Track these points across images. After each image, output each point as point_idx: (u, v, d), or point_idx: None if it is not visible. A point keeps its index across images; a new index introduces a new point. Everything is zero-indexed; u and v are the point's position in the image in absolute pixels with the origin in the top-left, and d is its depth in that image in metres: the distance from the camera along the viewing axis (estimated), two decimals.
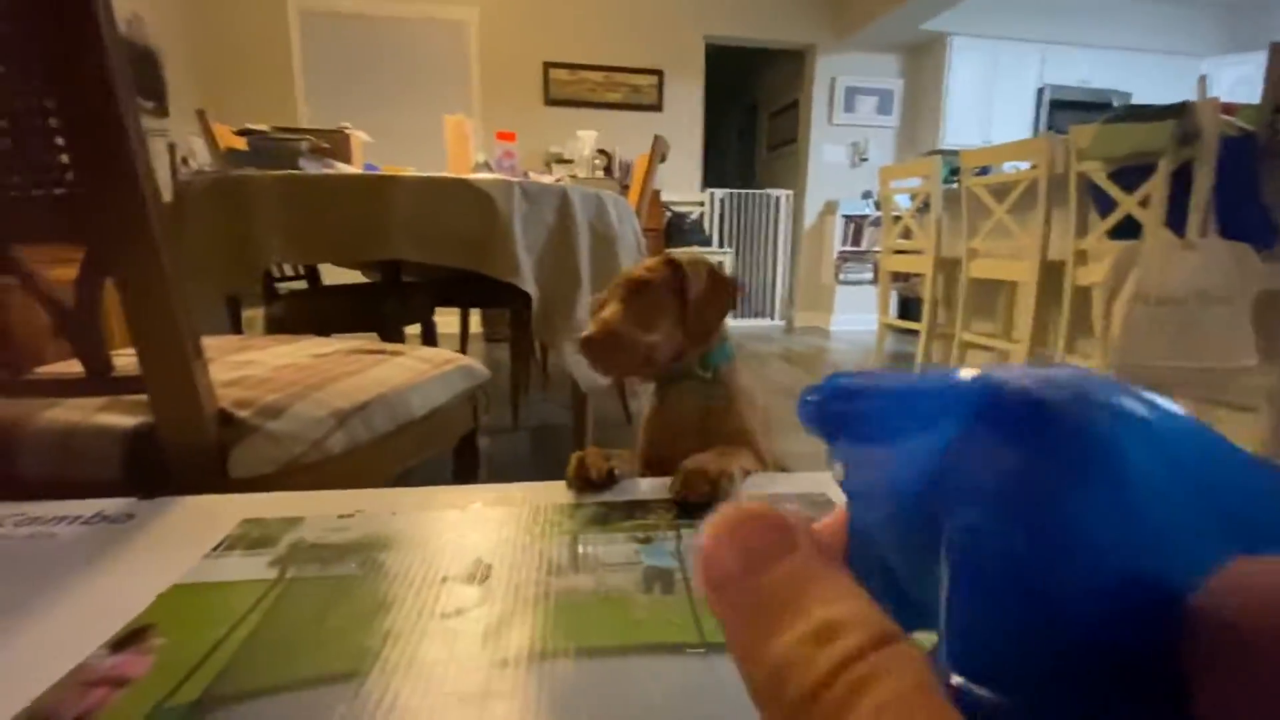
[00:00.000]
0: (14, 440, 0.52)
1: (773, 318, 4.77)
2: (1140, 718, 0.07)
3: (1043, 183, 2.04)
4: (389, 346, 0.76)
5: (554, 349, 1.24)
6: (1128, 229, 1.79)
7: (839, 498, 0.49)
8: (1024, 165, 2.22)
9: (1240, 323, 1.54)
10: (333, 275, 2.04)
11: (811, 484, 0.52)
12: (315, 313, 1.70)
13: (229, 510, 0.46)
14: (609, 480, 0.50)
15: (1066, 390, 0.08)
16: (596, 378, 1.35)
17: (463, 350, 2.32)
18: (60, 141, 0.42)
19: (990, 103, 4.38)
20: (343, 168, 1.34)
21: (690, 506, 0.47)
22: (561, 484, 0.51)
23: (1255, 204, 1.66)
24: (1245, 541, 0.07)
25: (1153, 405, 0.08)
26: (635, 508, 0.48)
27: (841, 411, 0.12)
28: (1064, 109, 4.47)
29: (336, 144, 1.43)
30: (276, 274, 1.86)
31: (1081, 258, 1.94)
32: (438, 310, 1.95)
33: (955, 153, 2.69)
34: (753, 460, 0.56)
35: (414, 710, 0.27)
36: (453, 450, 0.83)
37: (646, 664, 0.31)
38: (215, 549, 0.41)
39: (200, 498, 0.48)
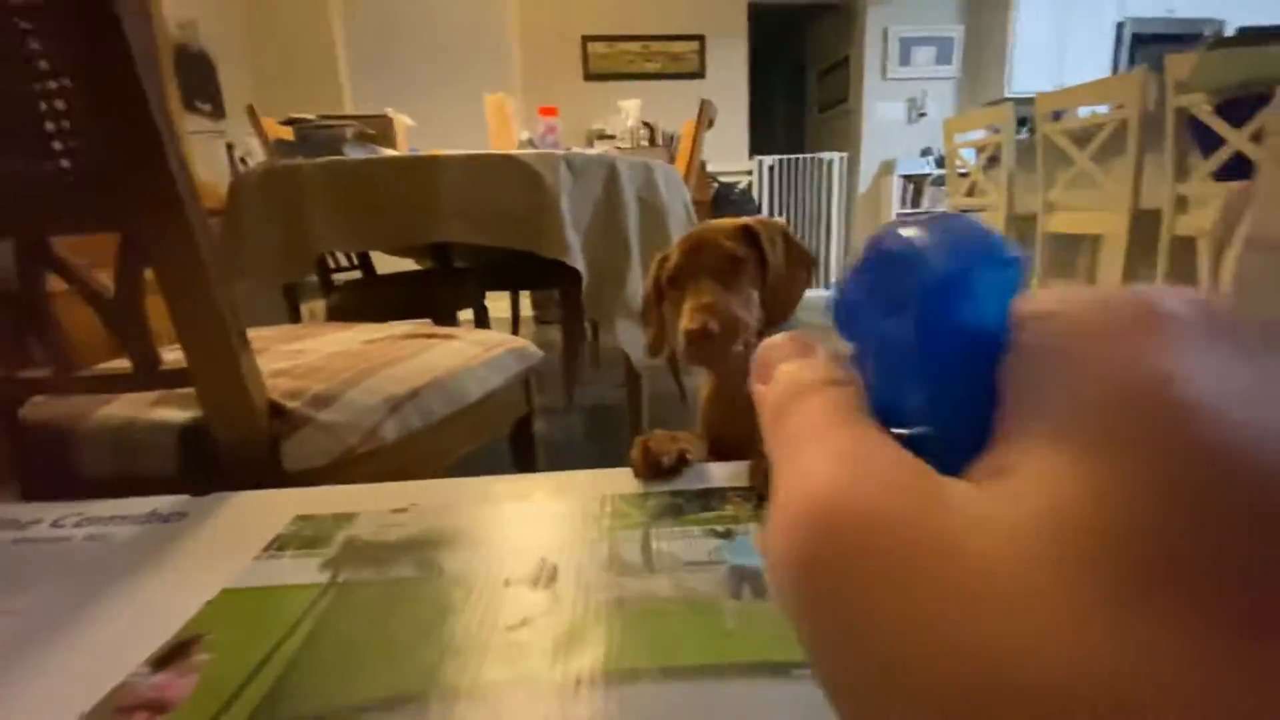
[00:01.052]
0: (71, 438, 0.52)
1: (827, 287, 4.60)
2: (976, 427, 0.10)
3: (1134, 122, 1.84)
4: (440, 330, 0.74)
5: (605, 326, 1.19)
6: (1235, 170, 1.59)
7: None
8: (1103, 109, 2.01)
9: None
10: (386, 265, 2.05)
11: None
12: (371, 302, 1.71)
13: (281, 506, 0.44)
14: (679, 465, 0.45)
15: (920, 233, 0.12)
16: (646, 354, 1.30)
17: (514, 333, 2.32)
18: (81, 117, 0.39)
19: (1063, 43, 4.02)
20: (388, 153, 1.32)
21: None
22: (627, 471, 0.46)
23: None
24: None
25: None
26: (710, 496, 0.43)
27: (844, 310, 0.14)
28: (1148, 43, 4.06)
29: (380, 129, 1.42)
30: (332, 265, 1.89)
31: (1182, 204, 1.75)
32: (489, 295, 1.94)
33: (1026, 100, 2.48)
34: None
35: None
36: (509, 436, 0.80)
37: (747, 689, 0.26)
38: (266, 549, 0.39)
39: (252, 493, 0.46)
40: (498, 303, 2.42)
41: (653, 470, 0.44)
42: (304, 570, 0.36)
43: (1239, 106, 1.59)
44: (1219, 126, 1.62)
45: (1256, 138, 1.53)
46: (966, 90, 4.33)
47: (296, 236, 1.10)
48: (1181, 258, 1.75)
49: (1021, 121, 2.68)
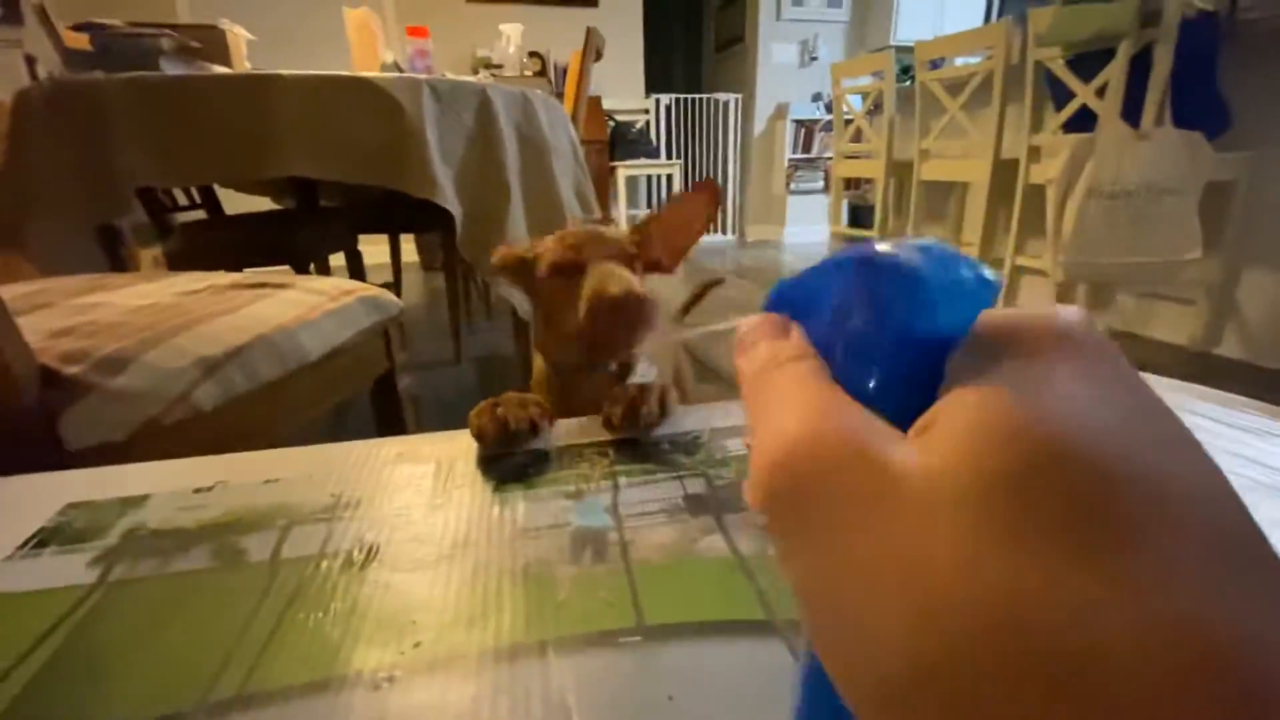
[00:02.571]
0: None
1: (725, 232, 4.65)
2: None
3: (999, 74, 1.94)
4: (274, 279, 0.65)
5: (484, 272, 1.12)
6: (1084, 122, 1.73)
7: None
8: (978, 58, 2.11)
9: (1188, 215, 1.53)
10: (239, 204, 1.82)
11: None
12: (219, 246, 1.52)
13: (50, 492, 0.37)
14: (531, 433, 0.42)
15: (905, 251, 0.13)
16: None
17: (396, 281, 2.16)
18: None
19: None
20: (219, 71, 1.14)
21: (632, 430, 0.41)
22: (462, 434, 0.43)
23: (1211, 88, 1.62)
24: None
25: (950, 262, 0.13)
26: (562, 455, 0.40)
27: (786, 306, 0.15)
28: None
29: (210, 42, 1.21)
30: (168, 203, 1.65)
31: (1035, 154, 1.89)
32: (368, 239, 1.78)
33: (910, 47, 2.55)
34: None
35: None
36: (370, 396, 0.74)
37: (570, 662, 0.24)
38: (22, 547, 0.32)
39: (16, 479, 0.38)
40: (377, 247, 2.23)
41: (499, 438, 0.40)
42: (66, 570, 0.30)
43: (1089, 60, 1.71)
44: (1069, 79, 1.73)
45: (1101, 92, 1.66)
46: (855, 35, 4.40)
47: (103, 169, 0.93)
48: (1033, 205, 1.90)
49: (905, 70, 2.76)
